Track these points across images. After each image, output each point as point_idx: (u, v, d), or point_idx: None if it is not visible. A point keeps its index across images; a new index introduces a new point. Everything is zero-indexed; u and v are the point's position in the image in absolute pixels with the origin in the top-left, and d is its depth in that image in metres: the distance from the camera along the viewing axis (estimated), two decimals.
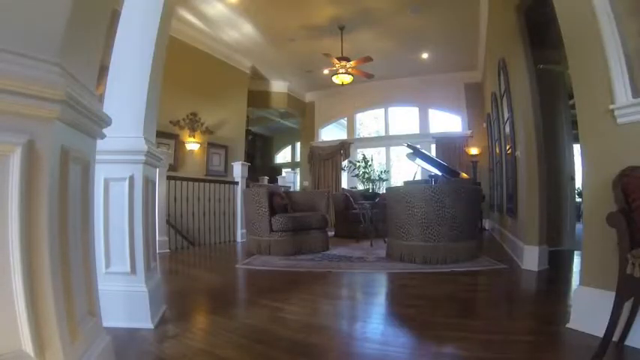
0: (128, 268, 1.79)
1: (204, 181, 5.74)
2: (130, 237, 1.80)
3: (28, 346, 0.85)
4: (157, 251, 2.42)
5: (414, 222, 3.47)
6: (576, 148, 4.21)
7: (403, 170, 8.90)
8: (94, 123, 1.18)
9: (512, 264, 3.33)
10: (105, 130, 1.29)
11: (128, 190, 1.81)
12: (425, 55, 7.35)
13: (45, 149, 0.90)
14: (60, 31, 0.93)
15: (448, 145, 8.12)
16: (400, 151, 8.55)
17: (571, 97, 2.41)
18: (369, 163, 6.38)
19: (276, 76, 8.64)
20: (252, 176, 8.46)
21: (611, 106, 1.58)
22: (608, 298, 1.35)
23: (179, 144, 6.44)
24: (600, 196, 1.61)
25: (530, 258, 3.05)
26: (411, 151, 5.10)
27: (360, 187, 6.89)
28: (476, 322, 1.88)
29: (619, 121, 1.57)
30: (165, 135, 6.05)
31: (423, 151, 5.65)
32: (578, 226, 4.00)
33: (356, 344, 1.65)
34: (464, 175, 5.30)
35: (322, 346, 1.59)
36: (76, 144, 1.08)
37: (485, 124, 7.05)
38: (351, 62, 6.13)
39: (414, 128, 8.73)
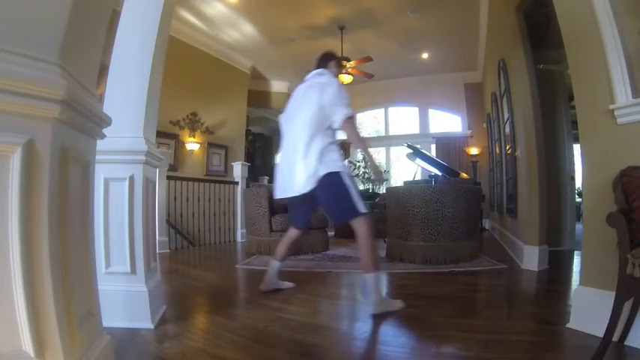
0: (128, 268, 1.79)
1: (204, 181, 5.74)
2: (129, 237, 1.80)
3: (28, 346, 0.85)
4: (157, 251, 2.42)
5: (414, 222, 3.47)
6: (576, 148, 4.21)
7: (403, 170, 8.89)
8: (94, 123, 1.17)
9: (512, 264, 3.33)
10: (105, 130, 1.29)
11: (128, 190, 1.81)
12: (425, 55, 7.35)
13: (45, 149, 0.90)
14: (60, 31, 0.93)
15: (448, 145, 8.12)
16: (400, 151, 8.55)
17: (571, 97, 2.41)
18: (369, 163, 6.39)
19: (276, 76, 8.63)
20: (253, 176, 8.46)
21: (611, 106, 1.57)
22: (608, 298, 1.34)
23: (179, 144, 6.44)
24: (600, 196, 1.60)
25: (530, 258, 3.05)
26: (411, 151, 5.11)
27: (360, 187, 6.90)
28: (476, 322, 1.88)
29: (619, 121, 1.57)
30: (166, 135, 6.05)
31: (423, 151, 5.65)
32: (578, 226, 4.00)
33: (356, 344, 1.65)
34: (464, 175, 5.30)
35: (322, 346, 1.59)
36: (76, 144, 1.07)
37: (485, 124, 7.05)
38: (351, 62, 6.13)
39: (414, 128, 8.73)
